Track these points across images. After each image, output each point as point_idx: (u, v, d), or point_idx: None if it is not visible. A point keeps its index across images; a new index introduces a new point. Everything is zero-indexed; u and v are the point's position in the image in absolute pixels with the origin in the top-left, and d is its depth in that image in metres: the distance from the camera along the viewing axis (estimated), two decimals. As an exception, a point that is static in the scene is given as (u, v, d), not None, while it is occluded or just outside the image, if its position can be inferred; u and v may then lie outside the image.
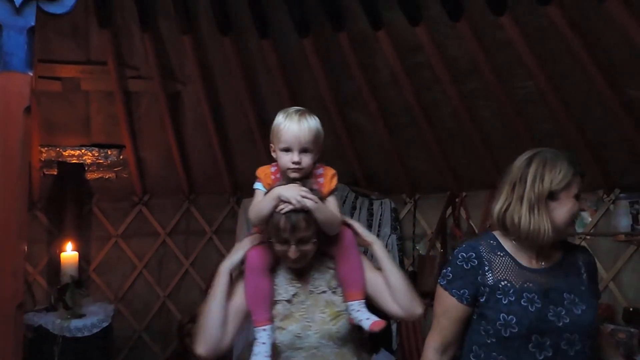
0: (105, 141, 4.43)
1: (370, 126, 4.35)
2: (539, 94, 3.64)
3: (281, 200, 1.90)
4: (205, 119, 4.36)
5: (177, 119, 4.40)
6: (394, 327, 4.31)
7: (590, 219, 4.07)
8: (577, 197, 1.89)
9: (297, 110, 2.00)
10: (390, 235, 4.72)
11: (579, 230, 4.13)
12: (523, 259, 1.91)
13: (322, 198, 1.98)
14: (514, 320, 1.82)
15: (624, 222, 3.85)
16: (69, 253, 4.19)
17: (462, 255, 1.93)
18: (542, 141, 3.77)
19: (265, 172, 2.05)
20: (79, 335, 3.83)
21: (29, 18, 1.72)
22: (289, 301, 2.01)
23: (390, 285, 2.00)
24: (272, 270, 2.04)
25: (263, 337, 1.95)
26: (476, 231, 4.29)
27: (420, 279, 4.43)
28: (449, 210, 4.53)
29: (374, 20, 3.67)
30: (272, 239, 1.95)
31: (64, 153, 4.37)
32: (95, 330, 3.90)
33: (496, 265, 1.90)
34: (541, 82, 3.54)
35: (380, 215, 4.75)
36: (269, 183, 2.02)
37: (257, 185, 2.04)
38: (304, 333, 1.98)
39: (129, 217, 4.71)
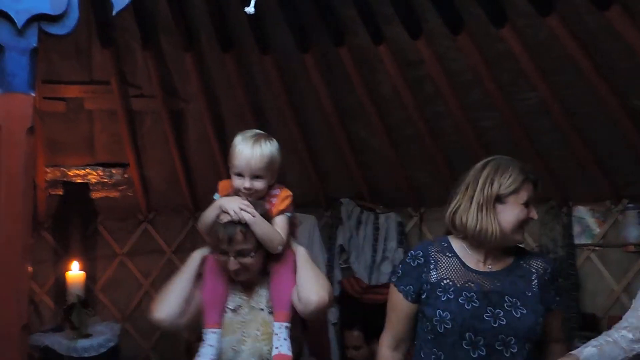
0: (109, 160, 4.45)
1: (374, 140, 4.35)
2: (541, 105, 3.63)
3: (222, 211, 1.95)
4: (208, 136, 4.35)
5: (180, 136, 4.42)
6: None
7: (598, 230, 4.04)
8: (526, 204, 1.94)
9: (254, 135, 2.04)
10: (396, 249, 4.69)
11: (588, 241, 4.10)
12: (470, 261, 1.96)
13: (269, 216, 2.02)
14: (449, 316, 1.87)
15: (633, 232, 3.82)
16: (75, 272, 4.18)
17: (411, 254, 2.01)
18: (545, 152, 3.82)
19: (225, 185, 2.11)
20: (86, 355, 3.83)
21: (31, 39, 1.73)
22: (233, 311, 2.04)
23: (298, 287, 2.02)
24: (230, 278, 2.06)
25: (211, 340, 1.97)
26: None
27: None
28: None
29: (375, 34, 3.69)
30: (214, 250, 2.00)
31: (69, 173, 4.39)
32: (102, 350, 3.90)
33: (442, 264, 1.96)
34: (544, 93, 3.54)
35: (386, 230, 4.74)
36: (225, 195, 2.07)
37: (216, 196, 2.09)
38: (239, 347, 2.00)
39: (134, 235, 4.71)
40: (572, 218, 4.15)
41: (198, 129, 4.37)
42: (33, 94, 1.73)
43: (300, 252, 2.11)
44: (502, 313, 1.88)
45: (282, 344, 1.95)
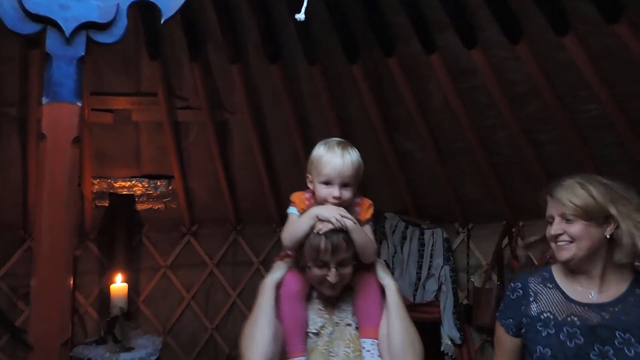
0: (154, 172, 4.45)
1: (421, 152, 4.22)
2: (604, 118, 3.43)
3: (319, 220, 1.84)
4: (253, 147, 4.32)
5: (224, 148, 4.39)
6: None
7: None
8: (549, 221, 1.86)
9: (339, 143, 1.96)
10: (443, 266, 4.53)
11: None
12: (575, 292, 1.84)
13: (359, 224, 1.93)
14: (549, 353, 1.76)
15: None
16: (119, 285, 4.18)
17: (511, 286, 1.96)
18: (606, 168, 3.59)
19: (300, 197, 2.01)
20: (128, 368, 3.78)
21: (79, 48, 1.68)
22: (316, 333, 1.92)
23: (390, 339, 1.87)
24: (307, 298, 1.96)
25: None
26: (535, 263, 4.05)
27: (475, 312, 4.24)
28: (505, 241, 4.33)
29: (427, 43, 3.58)
30: (310, 263, 1.86)
31: (115, 184, 4.40)
32: (143, 364, 3.85)
33: (542, 296, 1.87)
34: (607, 105, 3.33)
35: (432, 246, 4.59)
36: (302, 208, 1.97)
37: (291, 210, 1.99)
38: None
39: (177, 247, 4.69)
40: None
41: (242, 142, 4.34)
42: (80, 104, 1.68)
43: (392, 288, 1.94)
44: (611, 351, 1.72)
45: None
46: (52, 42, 1.67)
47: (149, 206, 4.57)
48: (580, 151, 3.64)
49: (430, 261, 4.53)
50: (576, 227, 1.80)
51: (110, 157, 4.32)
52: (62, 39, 1.67)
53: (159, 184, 4.45)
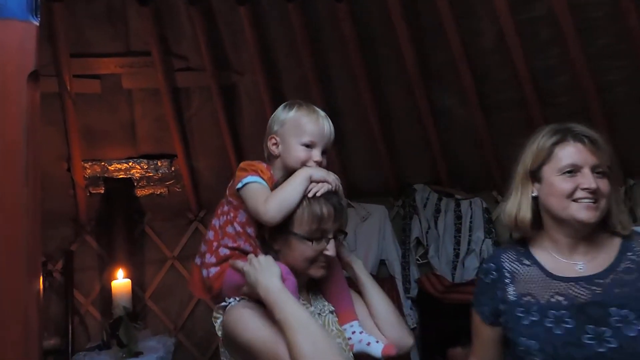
0: (153, 151, 4.14)
1: (461, 108, 3.82)
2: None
3: (312, 182, 1.66)
4: (266, 115, 3.87)
5: (233, 118, 4.04)
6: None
7: None
8: (573, 170, 1.63)
9: (311, 105, 1.82)
10: (484, 240, 4.25)
11: None
12: (557, 267, 1.63)
13: None
14: (535, 346, 1.55)
15: None
16: (121, 281, 3.83)
17: (483, 267, 1.78)
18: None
19: (258, 166, 1.76)
20: (137, 376, 3.50)
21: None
22: None
23: (375, 314, 1.75)
24: None
25: None
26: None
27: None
28: None
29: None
30: (305, 236, 1.62)
31: (109, 167, 4.09)
32: (154, 370, 3.57)
33: (520, 276, 1.67)
34: None
35: (471, 217, 4.31)
36: (268, 178, 1.74)
37: (254, 179, 1.70)
38: None
39: (184, 236, 4.40)
40: None
41: (254, 109, 3.97)
42: (36, 22, 1.14)
43: (358, 265, 1.82)
44: (609, 332, 1.49)
45: (372, 338, 1.67)
46: None
47: (150, 191, 4.32)
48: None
49: (469, 235, 4.27)
50: (605, 183, 1.62)
51: (101, 135, 3.97)
52: None
53: (159, 164, 4.16)
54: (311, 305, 1.71)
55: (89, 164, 4.04)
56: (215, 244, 1.72)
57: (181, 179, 4.25)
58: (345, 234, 1.75)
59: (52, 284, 3.97)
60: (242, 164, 1.77)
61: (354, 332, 1.69)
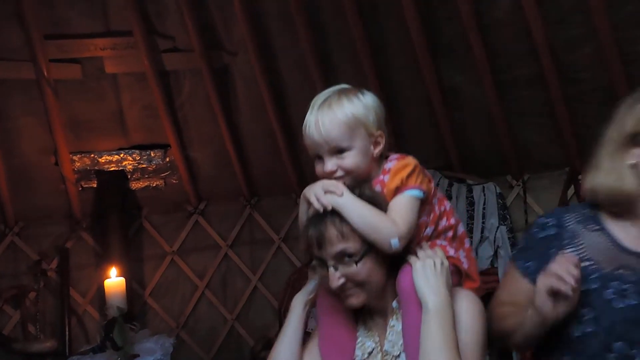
0: (145, 140, 4.07)
1: (473, 86, 3.69)
2: None
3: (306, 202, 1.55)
4: (263, 99, 3.86)
5: (227, 102, 3.95)
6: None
7: None
8: None
9: (322, 96, 1.60)
10: (498, 227, 4.18)
11: None
12: (629, 238, 1.55)
13: (379, 201, 1.53)
14: (591, 315, 1.49)
15: None
16: (114, 280, 3.71)
17: (539, 222, 1.67)
18: None
19: None
20: (133, 381, 3.45)
21: None
22: None
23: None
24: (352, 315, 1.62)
25: None
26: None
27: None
28: (571, 191, 3.93)
29: None
30: (314, 263, 1.56)
31: (100, 160, 4.02)
32: (151, 374, 3.53)
33: (583, 239, 1.58)
34: None
35: (484, 204, 4.26)
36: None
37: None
38: None
39: (184, 230, 4.40)
40: None
41: (249, 92, 3.88)
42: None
43: (430, 311, 1.46)
44: None
45: None
46: None
47: (146, 184, 4.27)
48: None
49: (482, 222, 4.20)
50: None
51: (88, 125, 3.88)
52: None
53: (152, 155, 4.08)
54: (377, 335, 1.56)
55: (78, 156, 3.98)
56: None
57: (177, 170, 4.22)
58: (358, 255, 1.48)
59: (47, 284, 3.94)
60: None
61: None
